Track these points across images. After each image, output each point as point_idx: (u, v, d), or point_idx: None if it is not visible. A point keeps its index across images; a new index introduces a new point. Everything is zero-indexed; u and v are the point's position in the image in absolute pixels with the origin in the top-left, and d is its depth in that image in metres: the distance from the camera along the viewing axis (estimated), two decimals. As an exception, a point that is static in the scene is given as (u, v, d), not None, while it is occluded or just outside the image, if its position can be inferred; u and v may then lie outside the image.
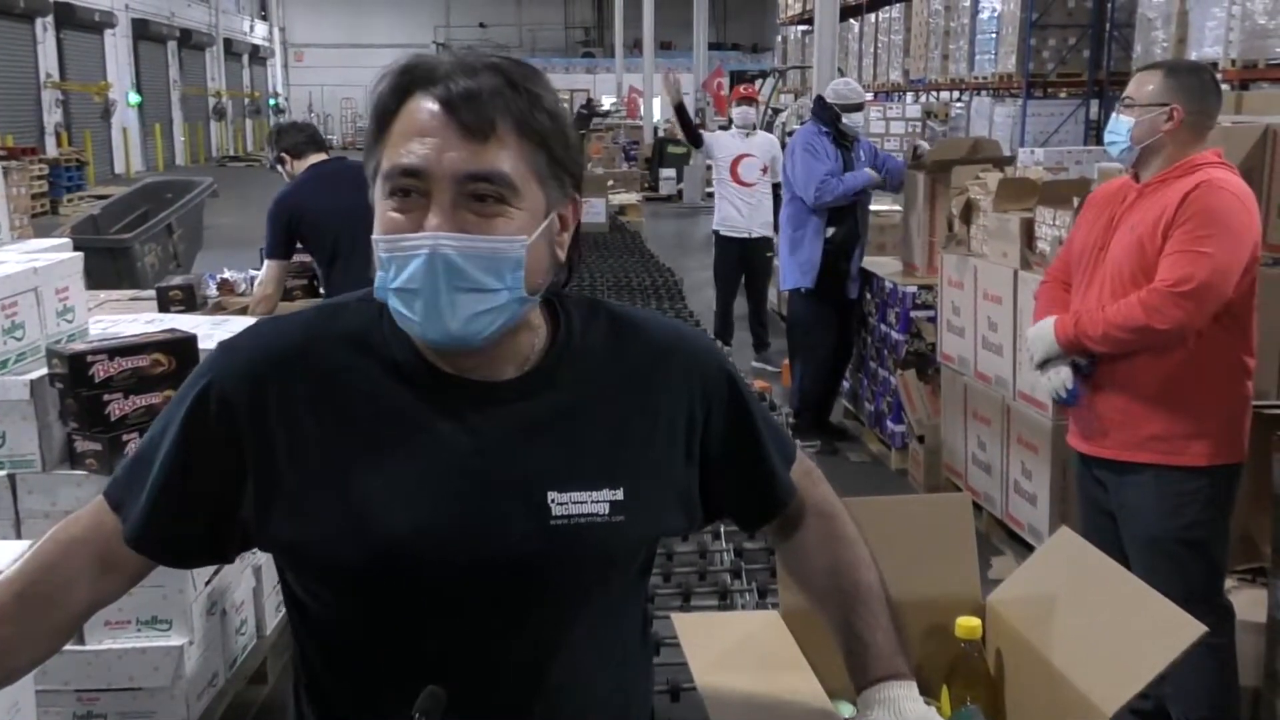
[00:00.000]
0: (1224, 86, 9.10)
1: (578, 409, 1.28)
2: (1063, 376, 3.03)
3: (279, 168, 4.73)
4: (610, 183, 11.33)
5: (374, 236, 1.19)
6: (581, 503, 1.25)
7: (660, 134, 21.45)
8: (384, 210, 1.18)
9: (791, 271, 6.07)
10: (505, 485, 1.23)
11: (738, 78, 16.29)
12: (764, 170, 7.56)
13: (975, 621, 1.62)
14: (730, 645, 1.60)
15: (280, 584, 1.34)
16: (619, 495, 1.26)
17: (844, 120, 6.01)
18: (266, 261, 4.54)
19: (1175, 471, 2.88)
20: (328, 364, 1.24)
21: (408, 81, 1.19)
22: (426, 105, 1.17)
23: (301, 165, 4.64)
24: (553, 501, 1.24)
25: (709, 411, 1.35)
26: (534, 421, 1.25)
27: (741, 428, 1.38)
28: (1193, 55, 9.47)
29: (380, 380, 1.24)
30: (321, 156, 4.70)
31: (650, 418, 1.31)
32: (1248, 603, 3.34)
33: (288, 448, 1.21)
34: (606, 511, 1.25)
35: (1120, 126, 2.93)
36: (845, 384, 6.51)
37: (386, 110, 1.20)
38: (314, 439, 1.22)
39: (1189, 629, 1.44)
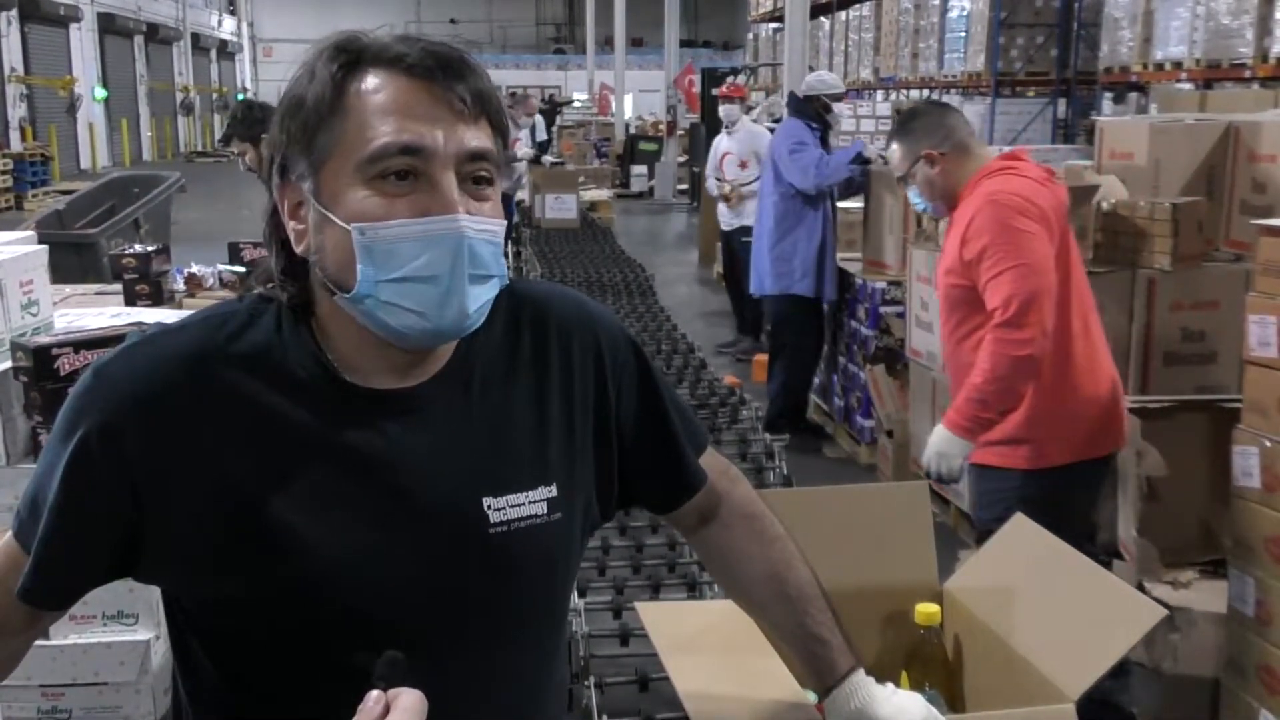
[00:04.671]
0: (1188, 85, 9.24)
1: (498, 405, 1.20)
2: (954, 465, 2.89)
3: (252, 148, 4.46)
4: (581, 179, 11.31)
5: (365, 224, 1.07)
6: (519, 505, 1.18)
7: (632, 131, 21.45)
8: (365, 194, 1.08)
9: (782, 276, 6.00)
10: (436, 498, 1.15)
11: (709, 75, 16.27)
12: (742, 165, 7.80)
13: (934, 608, 1.63)
14: (697, 632, 1.61)
15: (171, 631, 1.21)
16: (554, 492, 1.20)
17: (833, 110, 6.09)
18: None
19: (989, 471, 2.93)
20: (223, 385, 1.12)
21: (356, 57, 1.11)
22: (401, 81, 1.09)
23: None
24: (489, 509, 1.16)
25: (620, 389, 1.30)
26: (456, 425, 1.17)
27: (651, 404, 1.33)
28: (1158, 54, 9.58)
29: (284, 400, 1.12)
30: None
31: (566, 403, 1.24)
32: (1208, 594, 3.38)
33: (188, 486, 1.10)
34: (545, 511, 1.19)
35: (914, 196, 3.11)
36: (815, 380, 6.54)
37: (336, 88, 1.10)
38: (217, 474, 1.10)
39: (1149, 612, 1.47)
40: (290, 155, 1.12)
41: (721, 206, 8.05)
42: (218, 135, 38.17)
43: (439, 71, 1.10)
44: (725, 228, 8.15)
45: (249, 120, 4.57)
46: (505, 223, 1.15)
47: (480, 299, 1.11)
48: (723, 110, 8.13)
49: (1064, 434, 2.92)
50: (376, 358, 1.15)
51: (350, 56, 1.11)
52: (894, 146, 3.09)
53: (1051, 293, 2.78)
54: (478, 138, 1.11)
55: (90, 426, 1.10)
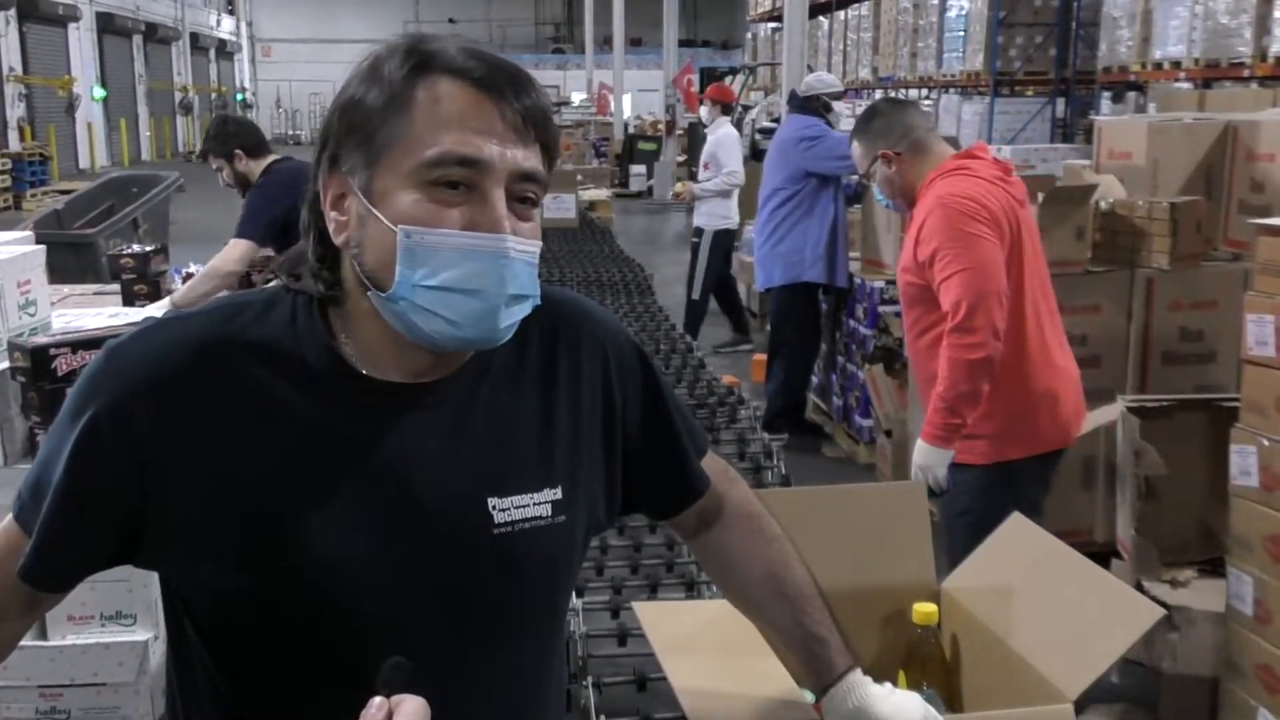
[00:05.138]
0: (1187, 85, 9.23)
1: (506, 407, 1.21)
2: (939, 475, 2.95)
3: (227, 164, 4.46)
4: (580, 178, 11.32)
5: (412, 228, 1.08)
6: (524, 507, 1.18)
7: (630, 130, 21.46)
8: (416, 197, 1.08)
9: (793, 265, 5.97)
10: (443, 496, 1.15)
11: (708, 74, 16.28)
12: (704, 166, 7.97)
13: (931, 607, 1.63)
14: (694, 632, 1.61)
15: (170, 629, 1.21)
16: (558, 494, 1.21)
17: (834, 109, 6.11)
18: (237, 241, 4.30)
19: (951, 467, 2.95)
20: (234, 373, 1.12)
21: (426, 61, 1.11)
22: (469, 92, 1.10)
23: (257, 165, 4.45)
24: (494, 509, 1.17)
25: (626, 394, 1.30)
26: (465, 424, 1.18)
27: (656, 410, 1.34)
28: (1156, 54, 9.58)
29: (295, 391, 1.13)
30: (275, 157, 4.55)
31: (573, 407, 1.25)
32: (1207, 594, 3.39)
33: (194, 472, 1.10)
34: (549, 513, 1.20)
35: (877, 193, 3.20)
36: (814, 379, 6.54)
37: (403, 87, 1.10)
38: (223, 463, 1.10)
39: (1147, 612, 1.47)
40: (344, 147, 1.12)
41: None
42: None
43: (506, 88, 1.11)
44: None
45: (223, 136, 4.52)
46: (541, 244, 1.16)
47: (514, 317, 1.13)
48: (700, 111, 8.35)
49: (1019, 430, 2.97)
50: (398, 355, 1.15)
51: (421, 59, 1.11)
52: (854, 145, 3.16)
53: (1000, 295, 2.82)
54: (530, 159, 1.12)
55: (100, 407, 1.10)
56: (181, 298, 4.25)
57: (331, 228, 1.14)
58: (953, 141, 6.44)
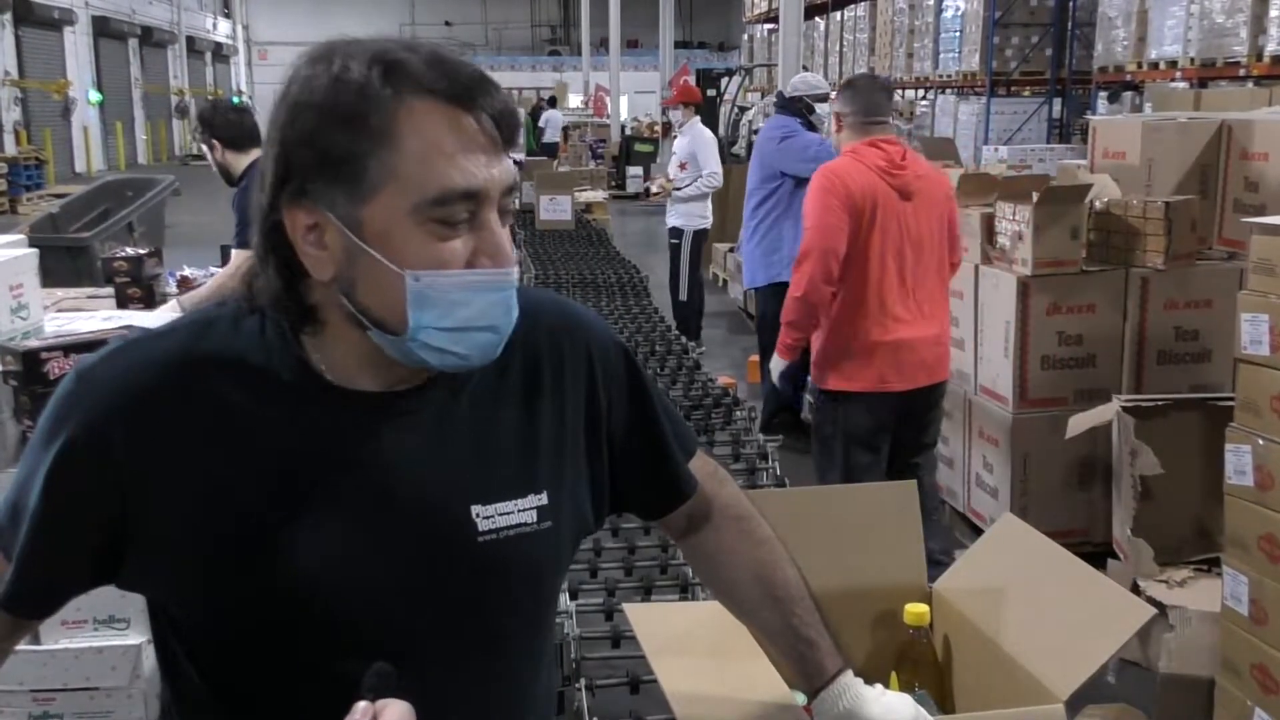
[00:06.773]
0: (1183, 85, 9.23)
1: (488, 412, 1.19)
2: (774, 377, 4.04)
3: (209, 152, 4.44)
4: (579, 181, 11.33)
5: (422, 272, 1.04)
6: (508, 514, 1.17)
7: (627, 132, 21.47)
8: (420, 237, 1.04)
9: (771, 265, 5.97)
10: (425, 504, 1.13)
11: (703, 76, 16.32)
12: (681, 166, 7.95)
13: (923, 608, 1.63)
14: (685, 634, 1.60)
15: (155, 637, 1.20)
16: (543, 500, 1.19)
17: (817, 111, 6.08)
18: (242, 252, 4.28)
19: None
20: (208, 389, 1.10)
21: (398, 81, 1.04)
22: (445, 111, 1.04)
23: (236, 159, 4.39)
24: (477, 516, 1.15)
25: (611, 396, 1.29)
26: (446, 432, 1.16)
27: (642, 412, 1.32)
28: (1152, 54, 9.59)
29: (270, 404, 1.11)
30: (259, 154, 4.52)
31: (557, 410, 1.24)
32: (1203, 593, 3.38)
33: (173, 490, 1.08)
34: (534, 519, 1.18)
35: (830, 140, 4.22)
36: (809, 379, 6.53)
37: (385, 120, 1.03)
38: (202, 479, 1.08)
39: (1138, 612, 1.46)
40: (316, 180, 1.06)
41: None
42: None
43: (477, 97, 1.06)
44: None
45: (206, 124, 4.47)
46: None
47: (509, 335, 1.12)
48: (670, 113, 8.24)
49: (846, 366, 3.69)
50: (375, 370, 1.14)
51: (393, 80, 1.04)
52: (837, 94, 3.87)
53: (830, 253, 3.57)
54: (507, 170, 1.08)
55: (75, 430, 1.08)
56: (191, 306, 4.24)
57: (308, 262, 1.09)
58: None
